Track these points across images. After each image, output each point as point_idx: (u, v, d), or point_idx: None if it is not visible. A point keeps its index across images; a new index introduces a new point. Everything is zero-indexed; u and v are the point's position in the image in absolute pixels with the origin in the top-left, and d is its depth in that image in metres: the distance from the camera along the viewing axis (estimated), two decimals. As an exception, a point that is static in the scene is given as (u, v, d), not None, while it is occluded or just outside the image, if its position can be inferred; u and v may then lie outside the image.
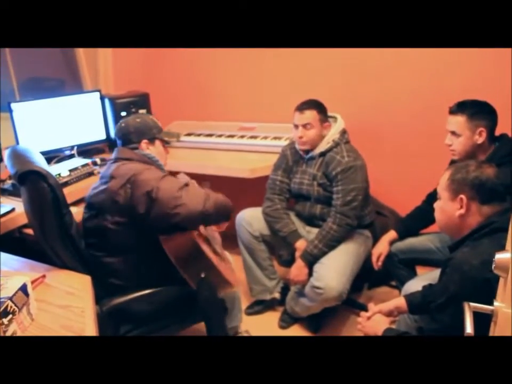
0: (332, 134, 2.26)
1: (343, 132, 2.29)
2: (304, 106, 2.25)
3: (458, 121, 1.89)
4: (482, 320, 1.00)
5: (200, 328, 1.85)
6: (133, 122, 1.88)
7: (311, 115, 2.23)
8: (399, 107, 2.66)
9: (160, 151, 1.91)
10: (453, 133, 1.92)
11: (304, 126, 2.24)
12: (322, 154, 2.27)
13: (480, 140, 1.88)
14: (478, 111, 1.88)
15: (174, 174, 2.11)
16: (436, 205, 1.54)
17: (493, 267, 0.92)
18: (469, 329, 1.00)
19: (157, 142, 1.90)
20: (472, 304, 1.03)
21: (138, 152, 1.83)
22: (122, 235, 1.69)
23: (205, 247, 1.71)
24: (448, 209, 1.48)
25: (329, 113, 2.34)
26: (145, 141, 1.85)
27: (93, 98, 2.79)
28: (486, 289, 1.05)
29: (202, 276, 1.68)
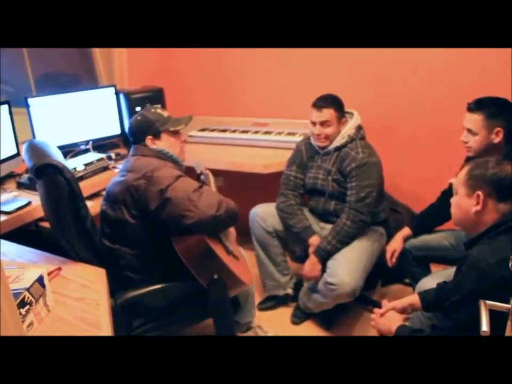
0: (348, 129, 2.25)
1: (359, 128, 2.28)
2: (321, 103, 2.23)
3: (476, 120, 1.86)
4: (498, 319, 0.99)
5: (212, 323, 1.86)
6: (135, 121, 1.87)
7: (328, 113, 2.22)
8: (414, 104, 2.64)
9: (170, 143, 1.85)
10: (469, 130, 1.89)
11: (322, 124, 2.23)
12: (338, 149, 2.26)
13: (496, 139, 1.85)
14: (496, 111, 1.84)
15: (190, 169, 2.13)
16: (452, 200, 1.52)
17: (510, 265, 0.91)
18: (484, 327, 0.99)
19: (163, 135, 1.84)
20: (488, 302, 1.02)
21: (153, 148, 1.82)
22: (136, 228, 1.71)
23: (216, 248, 1.71)
24: (464, 204, 1.45)
25: (346, 109, 2.32)
26: (149, 137, 1.82)
27: (108, 93, 2.80)
28: (502, 287, 1.04)
29: (216, 277, 1.68)
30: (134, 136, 1.86)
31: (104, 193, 2.30)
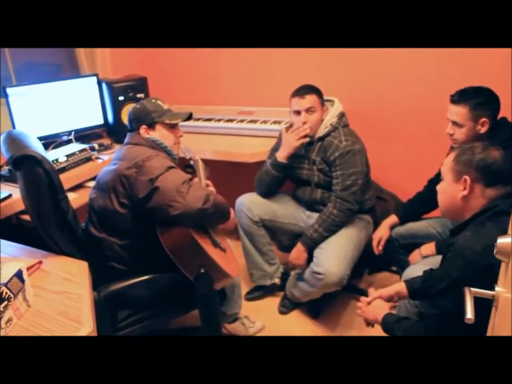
0: (330, 118, 2.24)
1: (341, 115, 2.26)
2: (303, 91, 2.21)
3: (460, 112, 1.84)
4: (484, 306, 0.98)
5: (197, 314, 1.84)
6: (134, 109, 1.89)
7: (312, 99, 2.20)
8: (400, 91, 2.62)
9: (164, 135, 1.87)
10: (455, 123, 1.87)
11: (307, 110, 2.20)
12: (321, 139, 2.24)
13: (482, 129, 1.83)
14: (481, 101, 1.82)
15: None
16: (439, 187, 1.51)
17: (494, 251, 0.90)
18: (469, 314, 0.98)
19: (158, 126, 1.86)
20: (472, 289, 1.01)
21: (148, 138, 1.83)
22: (125, 218, 1.69)
23: (203, 241, 1.69)
24: (451, 191, 1.45)
25: (327, 97, 2.31)
26: (143, 126, 1.84)
27: (90, 83, 2.75)
28: (488, 274, 1.03)
29: (202, 271, 1.66)
30: (130, 124, 1.89)
31: (88, 184, 2.30)
